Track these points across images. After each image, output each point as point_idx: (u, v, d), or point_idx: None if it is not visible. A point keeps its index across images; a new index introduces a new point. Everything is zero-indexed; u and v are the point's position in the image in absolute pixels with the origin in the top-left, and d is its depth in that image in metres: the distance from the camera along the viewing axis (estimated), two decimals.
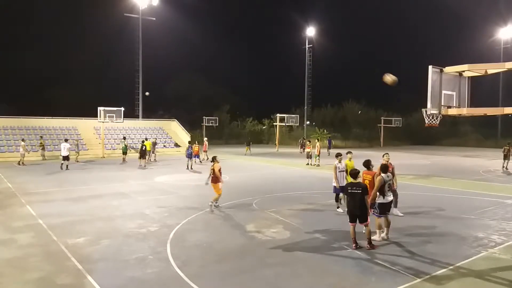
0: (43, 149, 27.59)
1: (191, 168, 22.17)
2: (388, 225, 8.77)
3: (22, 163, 24.01)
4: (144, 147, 23.88)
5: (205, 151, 28.20)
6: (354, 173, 8.28)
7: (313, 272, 6.86)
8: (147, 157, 24.69)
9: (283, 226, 9.83)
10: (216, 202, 11.76)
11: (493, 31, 51.27)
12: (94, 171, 21.27)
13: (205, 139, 29.60)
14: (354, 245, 8.00)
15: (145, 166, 23.16)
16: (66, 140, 23.51)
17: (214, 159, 11.78)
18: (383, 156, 10.77)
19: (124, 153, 25.70)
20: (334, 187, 11.36)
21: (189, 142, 24.29)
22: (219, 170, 11.58)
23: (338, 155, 11.56)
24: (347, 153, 11.71)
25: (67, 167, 21.70)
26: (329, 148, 35.39)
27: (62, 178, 18.59)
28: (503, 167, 22.85)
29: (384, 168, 8.72)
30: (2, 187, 15.89)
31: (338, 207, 11.40)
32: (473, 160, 29.34)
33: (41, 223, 10.05)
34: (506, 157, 23.04)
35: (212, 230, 9.51)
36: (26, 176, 19.02)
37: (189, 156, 22.50)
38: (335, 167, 11.27)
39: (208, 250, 8.01)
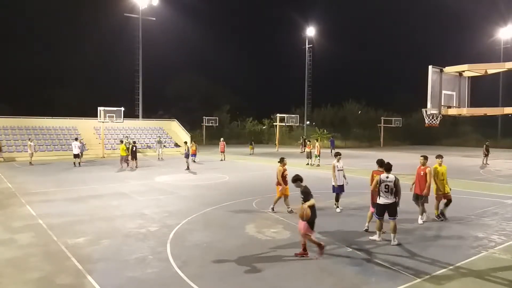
0: (0, 150, 26.68)
1: (187, 168, 21.70)
2: (379, 229, 8.56)
3: (30, 162, 24.35)
4: (134, 148, 23.37)
5: (223, 152, 28.14)
6: (294, 179, 7.84)
7: (313, 272, 6.86)
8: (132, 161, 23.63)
9: (283, 226, 9.83)
10: (273, 205, 11.45)
11: (493, 31, 51.30)
12: (94, 171, 21.28)
13: (222, 139, 29.34)
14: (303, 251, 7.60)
15: (136, 167, 22.74)
16: (76, 139, 24.87)
17: (281, 161, 11.38)
18: (436, 157, 10.43)
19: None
20: (333, 186, 11.38)
21: (185, 143, 23.71)
22: (282, 174, 11.16)
23: (337, 155, 11.57)
24: (436, 157, 10.37)
25: (79, 164, 23.30)
26: (332, 148, 35.37)
27: (62, 178, 18.59)
28: (483, 163, 25.31)
29: (388, 167, 8.40)
30: (2, 187, 15.90)
31: (337, 207, 11.43)
32: (473, 160, 29.31)
33: (41, 223, 10.05)
34: (486, 153, 25.74)
35: (212, 230, 9.51)
36: (26, 176, 19.03)
37: (187, 156, 22.22)
38: (334, 166, 11.28)
39: (208, 250, 8.00)
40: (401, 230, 9.30)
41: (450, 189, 10.40)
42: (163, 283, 6.42)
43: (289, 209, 11.19)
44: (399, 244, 8.20)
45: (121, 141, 24.27)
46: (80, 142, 26.01)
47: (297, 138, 45.72)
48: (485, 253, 7.86)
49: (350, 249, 7.99)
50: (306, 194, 7.44)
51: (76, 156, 23.57)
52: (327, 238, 8.83)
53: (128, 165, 22.60)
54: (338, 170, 11.26)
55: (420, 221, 10.07)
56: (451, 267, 7.07)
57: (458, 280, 6.56)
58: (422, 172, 10.11)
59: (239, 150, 37.77)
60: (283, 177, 11.13)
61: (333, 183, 11.35)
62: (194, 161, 26.15)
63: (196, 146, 27.01)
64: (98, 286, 6.25)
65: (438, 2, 74.92)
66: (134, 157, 22.96)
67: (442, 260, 7.39)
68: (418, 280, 6.49)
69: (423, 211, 10.17)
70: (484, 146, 26.15)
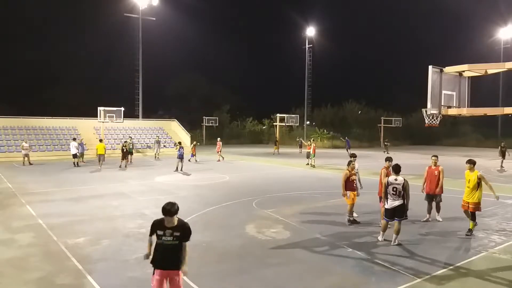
0: None
1: (181, 170, 20.89)
2: (384, 230, 8.54)
3: (29, 163, 24.11)
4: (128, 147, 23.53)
5: (219, 152, 27.85)
6: (165, 211, 4.87)
7: (313, 272, 6.86)
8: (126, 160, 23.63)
9: (283, 226, 9.82)
10: (350, 216, 9.96)
11: (493, 31, 51.30)
12: (94, 171, 21.27)
13: (218, 139, 29.06)
14: None
15: (125, 166, 22.84)
16: (74, 139, 24.67)
17: (348, 164, 10.03)
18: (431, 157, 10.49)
19: (130, 153, 25.51)
20: None
21: (179, 143, 22.52)
22: (347, 177, 9.79)
23: (352, 156, 11.03)
24: (467, 162, 9.14)
25: (77, 164, 23.15)
26: (348, 148, 35.44)
27: (62, 178, 18.58)
28: (501, 166, 23.71)
29: (397, 168, 8.23)
30: (2, 187, 15.89)
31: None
32: None
33: (41, 223, 10.04)
34: (503, 155, 24.23)
35: (212, 230, 9.51)
36: (26, 176, 19.02)
37: (180, 157, 21.12)
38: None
39: (208, 250, 8.00)
40: (401, 230, 9.30)
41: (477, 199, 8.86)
42: None
43: (351, 219, 10.00)
44: (399, 244, 8.20)
45: (100, 140, 24.32)
46: (80, 142, 26.11)
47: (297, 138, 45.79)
48: (485, 253, 7.86)
49: (350, 249, 7.99)
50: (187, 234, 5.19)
51: (74, 156, 23.43)
52: (327, 238, 8.83)
53: (125, 163, 23.08)
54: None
55: (439, 219, 10.26)
56: (451, 267, 7.07)
57: (458, 280, 6.56)
58: (436, 172, 10.21)
59: (240, 150, 37.75)
60: (350, 181, 9.80)
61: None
62: (196, 161, 26.32)
63: (194, 146, 27.11)
64: (98, 286, 6.25)
65: (438, 2, 74.95)
66: (125, 156, 23.21)
67: (442, 260, 7.39)
68: (418, 280, 6.49)
69: (439, 210, 10.33)
70: (499, 147, 24.73)
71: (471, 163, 9.03)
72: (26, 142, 25.14)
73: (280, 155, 34.01)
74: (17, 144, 29.11)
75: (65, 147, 30.36)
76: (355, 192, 9.84)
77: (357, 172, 10.38)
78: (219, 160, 27.16)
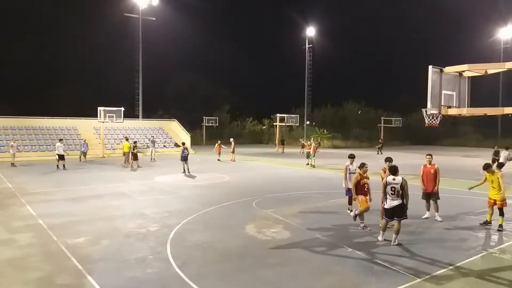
0: None
1: (188, 172, 20.46)
2: (384, 230, 8.52)
3: (12, 163, 23.46)
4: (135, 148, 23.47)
5: (233, 152, 27.93)
6: None
7: (313, 272, 6.86)
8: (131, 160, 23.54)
9: (283, 226, 9.82)
10: (362, 220, 9.45)
11: (493, 31, 51.27)
12: (94, 171, 21.28)
13: (231, 139, 29.00)
14: None
15: (138, 166, 22.83)
16: (60, 140, 23.81)
17: (361, 166, 9.45)
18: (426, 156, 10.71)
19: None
20: (346, 190, 10.74)
21: (183, 144, 22.10)
22: (357, 181, 9.28)
23: (350, 156, 10.92)
24: (484, 168, 9.54)
25: (64, 167, 21.90)
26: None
27: (62, 178, 18.58)
28: None
29: (393, 170, 8.24)
30: (2, 187, 15.89)
31: (350, 210, 10.69)
32: (473, 160, 29.32)
33: (41, 223, 10.05)
34: None
35: (212, 230, 9.51)
36: (26, 176, 19.02)
37: (185, 159, 20.63)
38: (346, 168, 10.72)
39: (208, 250, 8.00)
40: (401, 230, 9.30)
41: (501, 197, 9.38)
42: (163, 283, 6.42)
43: (359, 222, 9.50)
44: (399, 244, 8.20)
45: (126, 139, 25.74)
46: (84, 142, 26.16)
47: (297, 138, 45.81)
48: (485, 253, 7.86)
49: (350, 249, 7.98)
50: None
51: (60, 157, 22.09)
52: (327, 238, 8.83)
53: (131, 164, 23.06)
54: (351, 173, 10.51)
55: (438, 219, 10.24)
56: (451, 267, 7.07)
57: (458, 280, 6.56)
58: (432, 170, 10.41)
59: (241, 150, 37.73)
60: (360, 185, 9.25)
61: (343, 185, 10.79)
62: (219, 160, 27.23)
63: (220, 146, 28.04)
64: (98, 286, 6.25)
65: (438, 2, 74.95)
66: (135, 157, 23.06)
67: (442, 260, 7.39)
68: (418, 280, 6.49)
69: (437, 209, 10.39)
70: None
71: (488, 166, 9.55)
72: (14, 142, 24.51)
73: (281, 155, 34.04)
74: (17, 144, 29.11)
75: (65, 147, 30.31)
76: (367, 198, 9.26)
77: (355, 172, 10.06)
78: (233, 160, 27.17)
